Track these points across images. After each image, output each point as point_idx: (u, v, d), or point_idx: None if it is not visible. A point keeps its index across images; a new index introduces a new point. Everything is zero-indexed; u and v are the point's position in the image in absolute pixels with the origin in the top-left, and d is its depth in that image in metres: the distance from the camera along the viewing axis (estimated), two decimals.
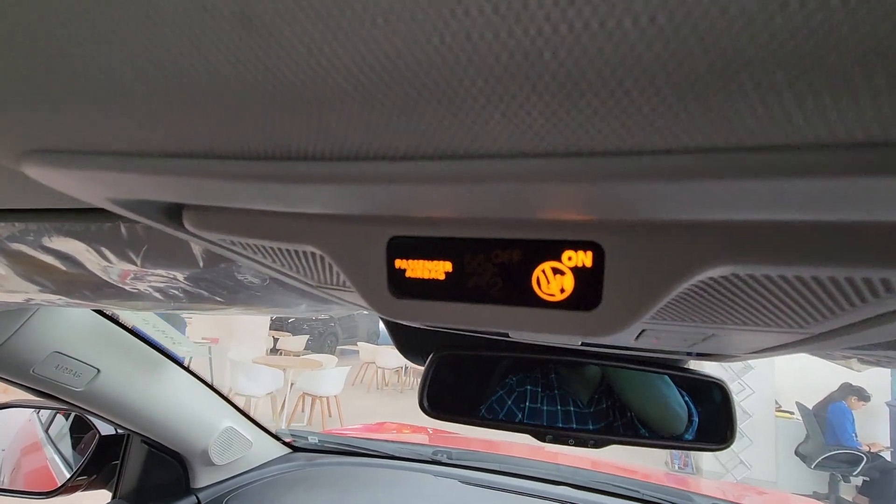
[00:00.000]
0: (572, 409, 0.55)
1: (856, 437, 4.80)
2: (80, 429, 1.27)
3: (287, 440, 1.48)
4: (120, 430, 1.15)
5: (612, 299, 0.16)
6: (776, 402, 5.79)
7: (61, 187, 0.17)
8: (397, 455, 1.52)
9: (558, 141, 0.11)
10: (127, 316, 0.87)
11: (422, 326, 0.18)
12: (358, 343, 10.33)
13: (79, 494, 1.15)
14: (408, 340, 0.62)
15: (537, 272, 0.16)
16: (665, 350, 0.39)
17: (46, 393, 0.80)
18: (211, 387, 1.16)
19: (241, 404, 1.29)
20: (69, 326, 0.76)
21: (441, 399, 0.57)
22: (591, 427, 0.55)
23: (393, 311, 0.19)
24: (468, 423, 0.58)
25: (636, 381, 0.55)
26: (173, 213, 0.20)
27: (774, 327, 0.21)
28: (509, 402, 0.56)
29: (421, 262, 0.17)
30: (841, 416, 4.79)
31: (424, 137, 0.12)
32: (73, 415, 1.32)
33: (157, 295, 0.42)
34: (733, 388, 4.90)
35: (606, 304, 0.16)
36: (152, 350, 0.93)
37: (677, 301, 0.19)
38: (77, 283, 0.43)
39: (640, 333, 0.28)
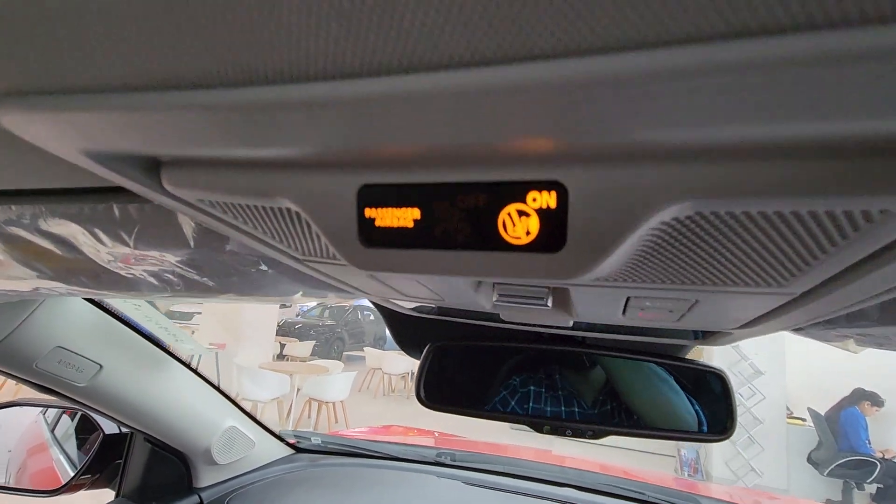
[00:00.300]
0: (576, 409, 0.54)
1: (869, 443, 4.71)
2: (85, 428, 1.27)
3: (290, 441, 1.48)
4: (123, 429, 1.16)
5: (577, 239, 0.16)
6: (788, 409, 5.70)
7: (36, 139, 0.18)
8: (401, 457, 1.51)
9: (507, 44, 0.11)
10: (130, 312, 0.88)
11: (393, 278, 0.18)
12: (364, 348, 10.34)
13: (83, 493, 1.16)
14: (405, 333, 0.62)
15: (503, 215, 0.16)
16: (658, 330, 0.39)
17: (49, 389, 0.81)
18: (214, 385, 1.17)
19: (247, 409, 1.29)
20: (72, 321, 0.77)
21: (438, 390, 0.57)
22: (588, 417, 0.54)
23: (364, 262, 0.19)
24: (465, 413, 0.58)
25: (639, 379, 0.54)
26: (152, 172, 0.20)
27: (754, 286, 0.21)
28: (512, 403, 0.55)
29: (390, 210, 0.17)
30: (854, 421, 4.71)
31: (366, 49, 0.12)
32: (78, 414, 1.33)
33: (152, 280, 0.43)
34: (743, 392, 4.84)
35: (571, 244, 0.16)
36: (155, 347, 0.94)
37: (649, 256, 0.19)
38: (74, 270, 0.44)
39: (625, 305, 0.27)
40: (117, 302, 0.85)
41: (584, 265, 0.16)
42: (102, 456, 1.16)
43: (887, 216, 0.14)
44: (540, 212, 0.16)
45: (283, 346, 10.56)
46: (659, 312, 0.28)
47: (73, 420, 1.32)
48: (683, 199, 0.14)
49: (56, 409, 1.40)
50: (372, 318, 14.53)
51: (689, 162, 0.14)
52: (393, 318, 0.62)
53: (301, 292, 0.50)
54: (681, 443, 5.80)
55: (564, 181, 0.15)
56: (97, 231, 0.36)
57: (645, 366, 0.55)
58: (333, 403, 6.47)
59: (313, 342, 10.84)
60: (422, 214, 0.17)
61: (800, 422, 5.66)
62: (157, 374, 0.95)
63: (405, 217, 0.17)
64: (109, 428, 1.18)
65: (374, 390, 9.30)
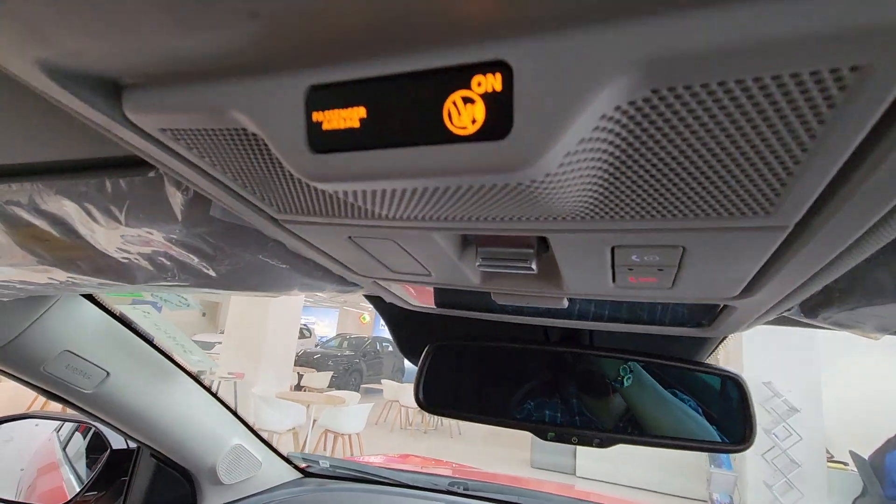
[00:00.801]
0: (583, 417, 0.51)
1: None
2: (94, 444, 1.27)
3: (299, 464, 1.45)
4: (130, 443, 1.15)
5: (523, 123, 0.15)
6: (828, 452, 5.36)
7: None
8: (412, 484, 1.46)
9: None
10: (140, 320, 0.89)
11: (345, 189, 0.17)
12: (382, 380, 10.23)
13: None
14: (407, 339, 0.60)
15: (448, 105, 0.16)
16: (661, 318, 0.37)
17: (56, 395, 0.81)
18: (222, 402, 1.15)
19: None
20: (82, 326, 0.78)
21: (438, 393, 0.55)
22: (596, 424, 0.51)
23: (313, 169, 0.18)
24: (465, 418, 0.55)
25: (649, 385, 0.51)
26: (114, 100, 0.20)
27: (739, 215, 0.19)
28: (516, 408, 0.53)
29: (336, 111, 0.17)
30: None
31: None
32: (91, 431, 1.33)
33: (147, 265, 0.43)
34: (779, 432, 4.57)
35: (517, 128, 0.15)
36: (163, 357, 0.93)
37: (615, 173, 0.18)
38: (72, 256, 0.44)
39: (612, 267, 0.26)
40: (126, 309, 0.86)
41: (532, 152, 0.15)
42: (109, 472, 1.15)
43: (864, 75, 0.13)
44: (485, 96, 0.15)
45: (301, 376, 10.52)
46: (649, 274, 0.26)
47: (84, 437, 1.32)
48: (634, 69, 0.13)
49: (70, 426, 1.41)
50: (390, 349, 14.44)
51: (639, 19, 0.13)
52: (393, 319, 0.61)
53: (297, 287, 0.49)
54: (713, 488, 5.49)
55: (509, 59, 0.14)
56: (90, 207, 0.36)
57: (656, 371, 0.52)
58: (349, 436, 6.37)
59: (331, 373, 10.78)
60: (367, 112, 0.17)
61: (841, 466, 5.31)
62: (164, 386, 0.94)
63: (351, 117, 0.17)
64: (118, 443, 1.17)
65: (392, 423, 9.13)
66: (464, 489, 1.46)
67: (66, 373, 0.76)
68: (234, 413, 1.20)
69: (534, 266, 0.26)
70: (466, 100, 0.15)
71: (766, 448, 5.22)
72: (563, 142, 0.15)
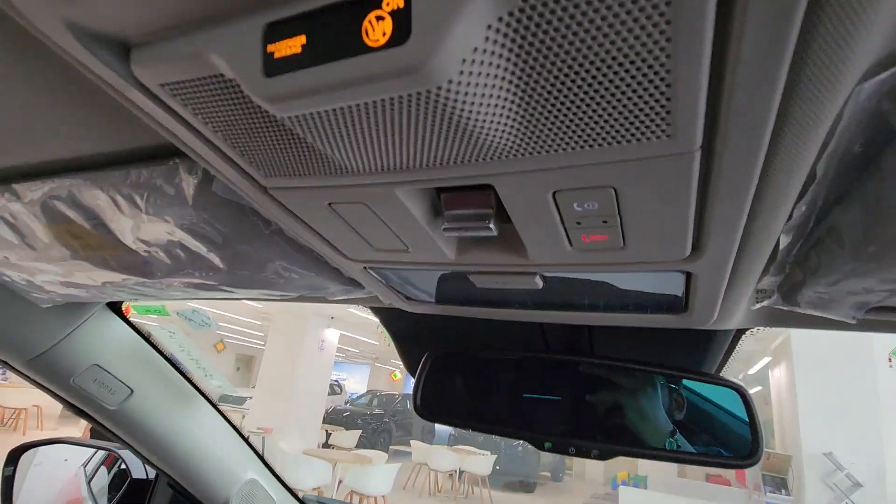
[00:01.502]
0: (581, 427, 0.50)
1: None
2: (117, 478, 1.29)
3: None
4: (149, 472, 1.17)
5: (419, 29, 0.18)
6: None
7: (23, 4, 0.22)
8: None
9: None
10: (165, 341, 0.93)
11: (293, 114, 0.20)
12: (411, 441, 9.91)
13: None
14: (410, 351, 0.61)
15: (365, 24, 0.19)
16: (629, 291, 0.37)
17: (82, 410, 0.85)
18: (239, 432, 1.16)
19: None
20: (111, 342, 0.82)
21: (436, 401, 0.55)
22: (595, 435, 0.50)
23: (266, 91, 0.22)
24: (463, 426, 0.55)
25: (650, 396, 0.50)
26: (123, 57, 0.24)
27: (643, 139, 0.21)
28: (514, 417, 0.52)
29: (284, 41, 0.21)
30: None
31: None
32: (115, 466, 1.35)
33: (164, 258, 0.47)
34: None
35: (415, 34, 0.18)
36: (185, 381, 0.97)
37: (524, 101, 0.20)
38: (101, 252, 0.49)
39: (561, 221, 0.27)
40: (153, 328, 0.90)
41: (427, 52, 0.18)
42: (126, 501, 1.15)
43: None
44: (392, 13, 0.19)
45: (329, 434, 10.34)
46: (598, 230, 0.27)
47: (109, 471, 1.35)
48: None
49: (96, 461, 1.44)
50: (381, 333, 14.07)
51: None
52: (397, 332, 0.62)
53: (300, 288, 0.52)
54: None
55: None
56: (117, 197, 0.41)
57: (658, 383, 0.51)
58: (375, 498, 6.12)
59: (359, 432, 10.55)
60: (307, 38, 0.20)
61: None
62: (184, 408, 0.97)
63: (295, 44, 0.21)
64: (139, 473, 1.19)
65: (420, 488, 8.73)
66: None
67: (93, 387, 0.80)
68: (251, 446, 1.21)
69: (492, 226, 0.28)
70: (379, 18, 0.19)
71: None
72: (453, 45, 0.18)
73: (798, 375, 5.13)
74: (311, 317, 9.17)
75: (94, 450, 1.40)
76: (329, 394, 14.24)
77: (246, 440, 1.19)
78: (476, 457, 9.08)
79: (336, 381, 16.76)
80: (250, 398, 9.53)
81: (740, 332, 0.50)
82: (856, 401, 4.88)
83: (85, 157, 0.40)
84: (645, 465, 10.83)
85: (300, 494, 1.39)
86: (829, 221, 0.29)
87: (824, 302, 0.34)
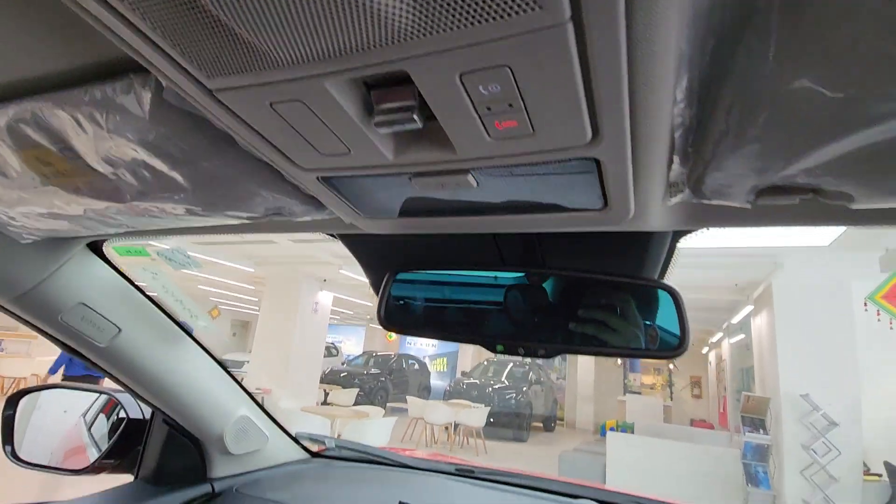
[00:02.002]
0: (530, 330, 0.55)
1: None
2: (115, 424, 1.35)
3: (307, 446, 1.49)
4: (142, 404, 1.22)
5: None
6: (865, 465, 5.08)
7: None
8: (420, 467, 1.49)
9: None
10: (149, 281, 0.96)
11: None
12: (407, 397, 10.23)
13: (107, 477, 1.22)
14: (375, 271, 0.65)
15: None
16: (553, 190, 0.40)
17: (73, 348, 0.89)
18: (229, 373, 1.22)
19: None
20: (95, 282, 0.86)
21: (398, 313, 0.60)
22: (543, 338, 0.54)
23: None
24: (422, 334, 0.60)
25: (592, 299, 0.54)
26: None
27: (513, 13, 0.23)
28: (468, 324, 0.57)
29: None
30: None
31: None
32: (113, 413, 1.41)
33: (131, 179, 0.49)
34: (818, 448, 4.34)
35: None
36: (172, 323, 1.01)
37: None
38: (69, 173, 0.51)
39: (467, 94, 0.30)
40: (135, 272, 0.93)
41: None
42: (125, 441, 1.22)
43: None
44: None
45: (327, 393, 10.63)
46: (507, 116, 0.30)
47: (104, 411, 1.41)
48: None
49: (94, 411, 1.50)
50: (416, 367, 14.44)
51: None
52: (362, 254, 0.66)
53: (263, 205, 0.55)
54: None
55: None
56: (79, 117, 0.43)
57: (601, 288, 0.55)
58: None
59: (356, 390, 10.85)
60: None
61: (876, 478, 5.01)
62: (173, 348, 1.01)
63: None
64: (134, 413, 1.25)
65: (417, 441, 9.09)
66: (471, 473, 1.48)
67: (81, 324, 0.84)
68: (242, 386, 1.26)
69: (416, 117, 0.31)
70: None
71: (804, 465, 4.97)
72: None
73: (778, 322, 5.30)
74: (303, 280, 9.24)
75: (91, 399, 1.46)
76: (326, 356, 14.54)
77: (236, 380, 1.25)
78: (470, 410, 9.41)
79: (332, 343, 17.06)
80: (248, 362, 9.73)
81: (677, 238, 0.54)
82: (833, 345, 5.07)
83: (45, 78, 0.42)
84: (633, 415, 11.28)
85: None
86: (711, 105, 0.32)
87: (724, 189, 0.37)
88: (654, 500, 1.23)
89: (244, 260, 8.31)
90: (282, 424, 1.45)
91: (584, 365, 15.45)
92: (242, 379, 1.47)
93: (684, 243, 0.56)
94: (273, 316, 9.44)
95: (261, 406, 1.34)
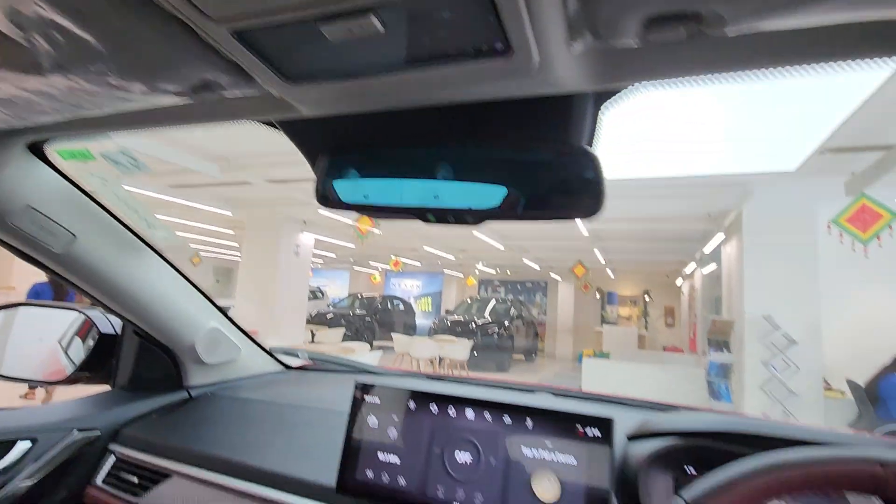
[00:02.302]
0: (458, 201, 0.57)
1: None
2: (86, 331, 1.38)
3: (282, 359, 1.55)
4: (111, 316, 1.25)
5: None
6: (825, 381, 5.46)
7: None
8: (396, 374, 1.55)
9: None
10: (99, 189, 0.95)
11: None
12: (393, 334, 10.52)
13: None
14: (311, 152, 0.66)
15: None
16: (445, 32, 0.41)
17: (29, 256, 0.89)
18: (198, 288, 1.24)
19: None
20: (41, 186, 0.85)
21: (332, 192, 0.62)
22: (471, 205, 0.57)
23: None
24: (357, 210, 0.62)
25: (523, 183, 0.56)
26: None
27: None
28: (400, 200, 0.59)
29: None
30: (894, 390, 4.47)
31: None
32: (88, 334, 1.43)
33: (43, 44, 0.49)
34: (777, 364, 4.62)
35: None
36: (130, 232, 1.01)
37: None
38: None
39: None
40: (83, 177, 0.92)
41: None
42: (98, 354, 1.26)
43: None
44: None
45: (314, 333, 10.87)
46: None
47: (80, 334, 1.43)
48: None
49: (70, 334, 1.53)
50: (401, 307, 14.75)
51: None
52: (300, 139, 0.67)
53: (186, 70, 0.54)
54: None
55: None
56: None
57: (524, 156, 0.57)
58: None
59: (343, 329, 11.10)
60: None
61: (839, 394, 5.41)
62: (134, 258, 1.02)
63: None
64: (106, 329, 1.28)
65: None
66: (441, 377, 1.56)
67: (32, 228, 0.84)
68: (211, 299, 1.29)
69: None
70: None
71: (764, 380, 5.33)
72: None
73: (746, 248, 5.49)
74: (283, 222, 9.17)
75: (64, 323, 1.49)
76: (311, 299, 14.70)
77: (205, 294, 1.28)
78: (454, 344, 9.77)
79: (318, 287, 17.22)
80: (232, 307, 9.82)
81: (599, 104, 0.56)
82: (796, 268, 5.30)
83: None
84: (609, 344, 11.84)
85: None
86: None
87: (613, 22, 0.38)
88: (603, 395, 1.32)
89: (222, 203, 8.18)
90: (258, 341, 1.50)
91: (564, 300, 15.95)
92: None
93: (612, 116, 0.58)
94: (255, 259, 9.44)
95: (233, 321, 1.38)
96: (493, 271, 16.98)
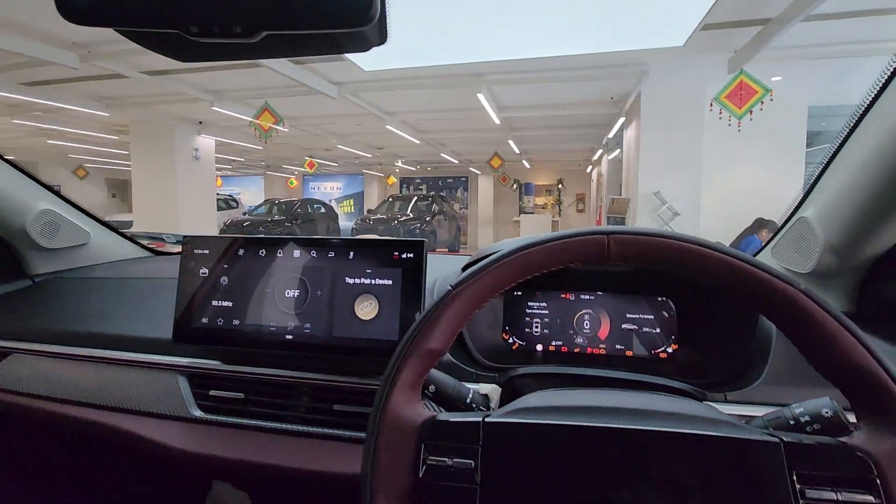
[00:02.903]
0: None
1: None
2: None
3: (149, 246, 1.49)
4: None
5: None
6: None
7: None
8: None
9: None
10: None
11: None
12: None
13: None
14: None
15: None
16: None
17: None
18: (20, 168, 1.12)
19: None
20: None
21: None
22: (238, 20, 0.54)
23: None
24: (107, 24, 0.58)
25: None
26: None
27: None
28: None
29: None
30: (752, 248, 5.19)
31: None
32: None
33: None
34: None
35: None
36: None
37: None
38: None
39: None
40: None
41: None
42: None
43: None
44: None
45: None
46: None
47: None
48: None
49: None
50: (322, 210, 14.41)
51: None
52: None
53: None
54: None
55: None
56: None
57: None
58: None
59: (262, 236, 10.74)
60: None
61: None
62: None
63: None
64: None
65: None
66: None
67: None
68: (40, 181, 1.18)
69: None
70: None
71: None
72: None
73: (643, 129, 5.80)
74: (176, 124, 8.29)
75: None
76: (224, 208, 13.89)
77: (31, 175, 1.16)
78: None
79: (230, 195, 16.21)
80: (133, 221, 9.07)
81: None
82: (684, 146, 5.73)
83: None
84: (526, 232, 12.49)
85: None
86: None
87: None
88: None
89: (95, 104, 7.13)
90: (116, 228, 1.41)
91: (485, 193, 16.34)
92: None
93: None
94: (148, 167, 8.60)
95: (77, 205, 1.28)
96: (413, 168, 16.80)
